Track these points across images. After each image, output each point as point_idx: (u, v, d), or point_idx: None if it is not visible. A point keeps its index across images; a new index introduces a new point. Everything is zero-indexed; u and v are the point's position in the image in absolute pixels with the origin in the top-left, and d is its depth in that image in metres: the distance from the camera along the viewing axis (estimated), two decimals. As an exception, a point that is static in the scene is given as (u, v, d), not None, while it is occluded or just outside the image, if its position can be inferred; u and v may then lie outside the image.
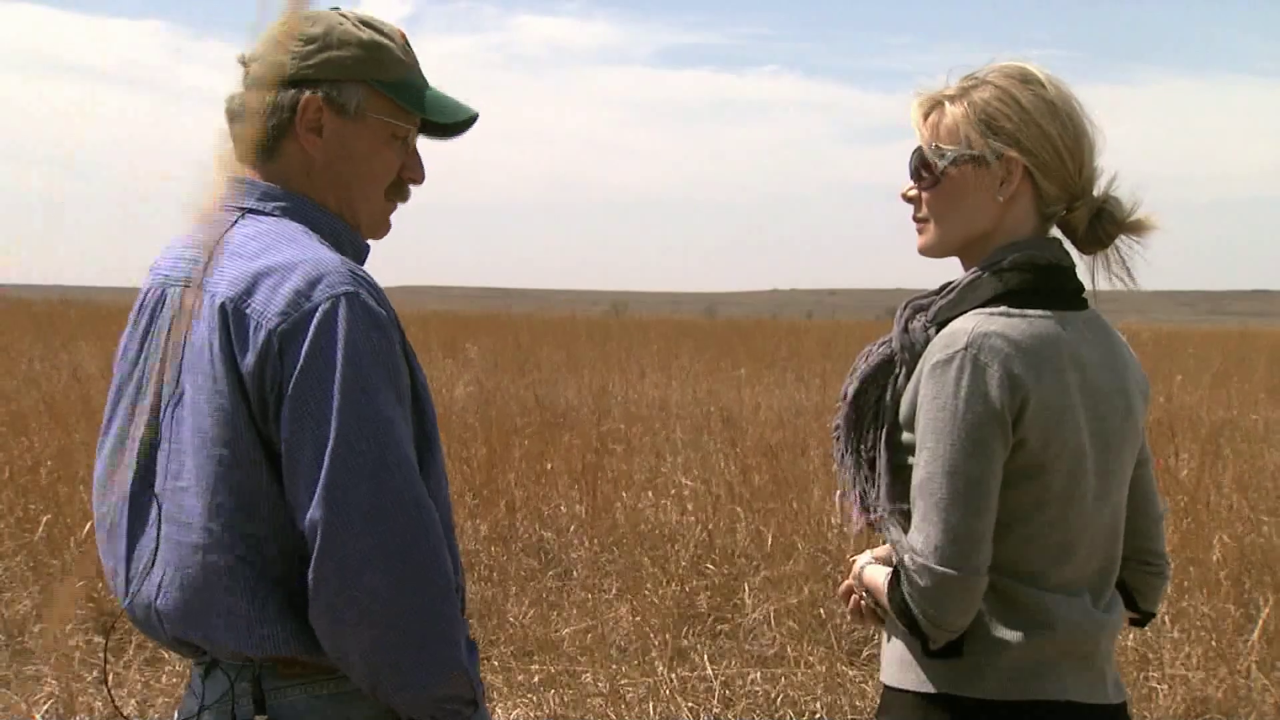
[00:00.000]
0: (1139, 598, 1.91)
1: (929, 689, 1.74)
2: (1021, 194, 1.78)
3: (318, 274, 1.49)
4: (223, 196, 1.65)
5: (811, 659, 4.63)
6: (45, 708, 4.22)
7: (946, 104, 1.79)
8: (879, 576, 1.79)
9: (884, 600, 1.75)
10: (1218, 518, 6.18)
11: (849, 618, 1.94)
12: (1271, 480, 7.60)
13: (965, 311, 1.74)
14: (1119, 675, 1.83)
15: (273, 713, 1.55)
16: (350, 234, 1.66)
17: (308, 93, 1.61)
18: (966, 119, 1.76)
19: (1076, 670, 1.74)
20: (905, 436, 1.75)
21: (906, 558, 1.69)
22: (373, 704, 1.55)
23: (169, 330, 1.58)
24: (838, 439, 1.85)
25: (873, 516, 1.80)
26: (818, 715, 4.32)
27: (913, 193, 1.84)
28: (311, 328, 1.46)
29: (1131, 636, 4.64)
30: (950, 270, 1.84)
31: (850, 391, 1.81)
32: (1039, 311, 1.73)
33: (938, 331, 1.74)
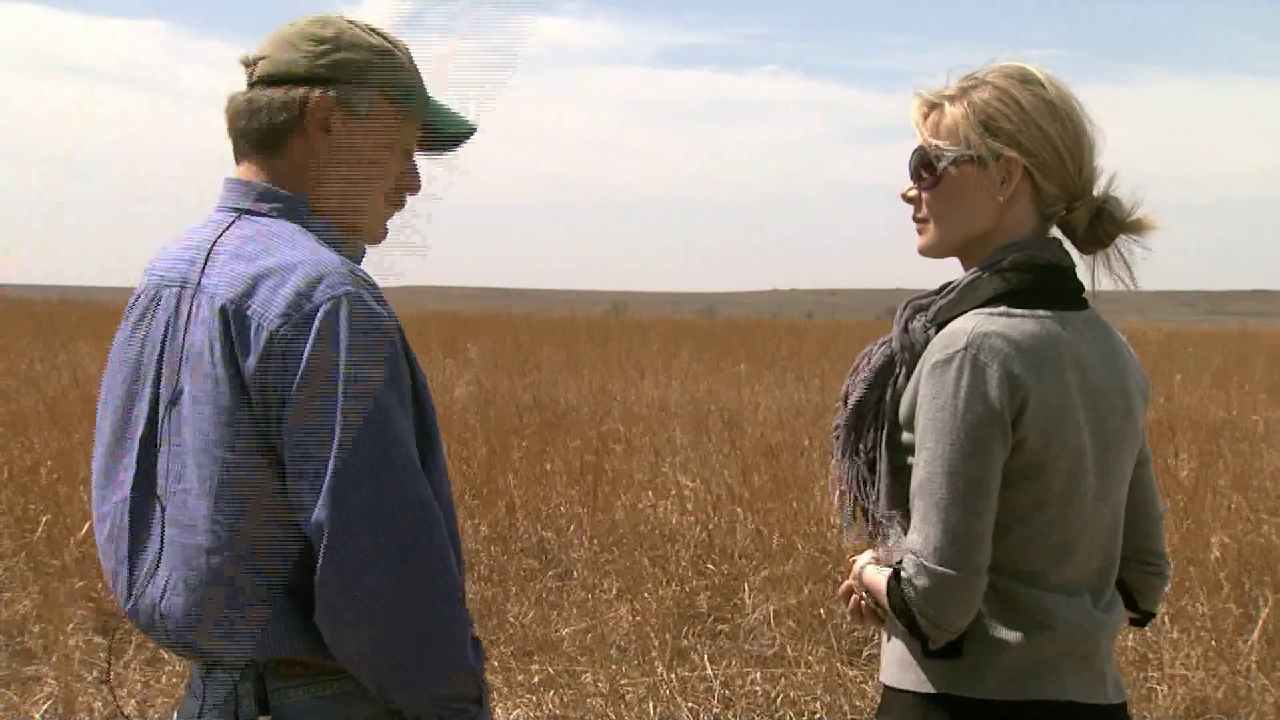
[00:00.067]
0: (1139, 598, 1.91)
1: (929, 689, 1.74)
2: (1021, 194, 1.78)
3: (318, 275, 1.49)
4: (221, 197, 1.65)
5: (811, 659, 4.63)
6: (45, 708, 4.22)
7: (946, 104, 1.79)
8: (879, 577, 1.79)
9: (884, 600, 1.75)
10: (1218, 518, 6.18)
11: (849, 618, 1.94)
12: (1271, 480, 7.60)
13: (965, 311, 1.74)
14: (1119, 675, 1.84)
15: (276, 713, 1.55)
16: (346, 236, 1.66)
17: (319, 91, 1.62)
18: (966, 119, 1.77)
19: (1076, 670, 1.74)
20: (905, 437, 1.75)
21: (906, 558, 1.69)
22: (376, 704, 1.55)
23: (164, 331, 1.58)
24: (837, 438, 1.85)
25: (872, 516, 1.80)
26: (818, 715, 4.32)
27: (913, 193, 1.84)
28: (313, 329, 1.46)
29: (1131, 636, 4.64)
30: (950, 270, 1.84)
31: (853, 398, 1.81)
32: (1039, 311, 1.73)
33: (937, 331, 1.74)
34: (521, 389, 11.38)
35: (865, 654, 4.74)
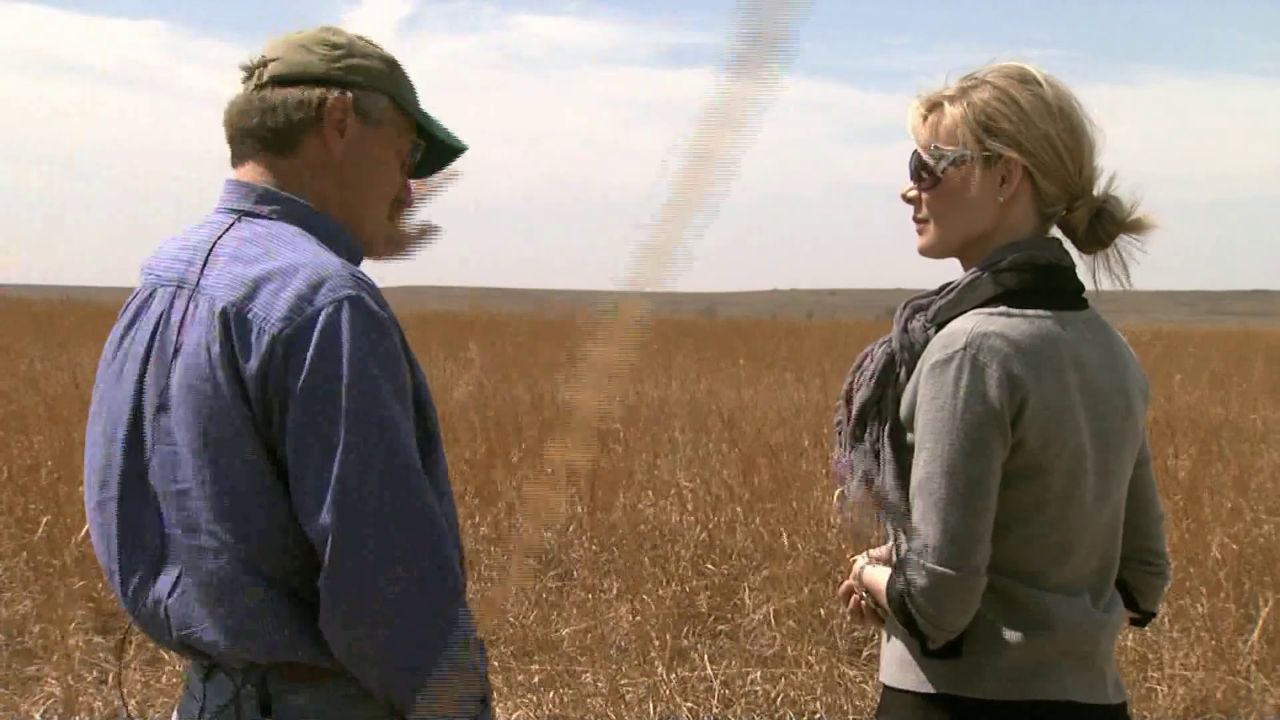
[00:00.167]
0: (1139, 598, 1.91)
1: (928, 689, 1.74)
2: (1021, 194, 1.78)
3: (320, 278, 1.49)
4: (220, 199, 1.66)
5: (811, 659, 4.63)
6: (45, 707, 4.22)
7: (946, 105, 1.79)
8: (879, 576, 1.79)
9: (883, 600, 1.75)
10: (1218, 518, 6.18)
11: (849, 618, 1.94)
12: (1271, 480, 7.60)
13: (965, 311, 1.74)
14: (1119, 675, 1.84)
15: (279, 716, 1.54)
16: (348, 238, 1.66)
17: (336, 92, 1.63)
18: (966, 120, 1.77)
19: (1076, 670, 1.74)
20: (905, 436, 1.75)
21: (905, 557, 1.69)
22: (378, 706, 1.55)
23: (153, 330, 1.58)
24: (839, 433, 1.85)
25: (884, 494, 1.77)
26: (818, 715, 4.32)
27: (913, 193, 1.84)
28: (316, 332, 1.46)
29: (1131, 636, 4.64)
30: (950, 270, 1.84)
31: (856, 397, 1.81)
32: (1039, 311, 1.73)
33: (937, 331, 1.74)
34: (521, 389, 11.38)
35: (865, 654, 4.74)
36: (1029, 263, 1.75)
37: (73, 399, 8.31)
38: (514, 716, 4.26)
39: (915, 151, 1.82)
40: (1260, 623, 4.76)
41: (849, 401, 1.83)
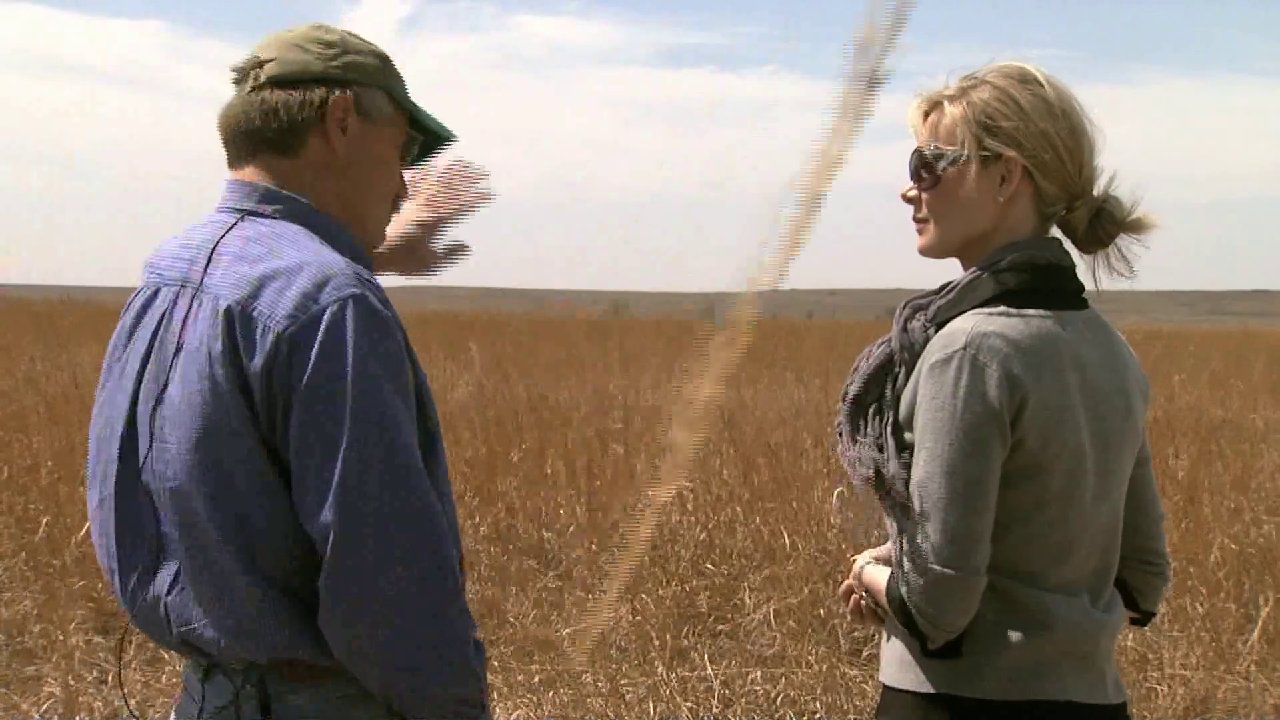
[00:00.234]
0: (1140, 597, 1.91)
1: (928, 689, 1.74)
2: (1021, 194, 1.78)
3: (324, 276, 1.49)
4: (222, 199, 1.65)
5: (811, 659, 4.63)
6: (45, 707, 4.22)
7: (946, 104, 1.79)
8: (879, 576, 1.79)
9: (883, 600, 1.75)
10: (1218, 517, 6.18)
11: (849, 618, 1.94)
12: (1270, 480, 7.60)
13: (964, 311, 1.74)
14: (1119, 675, 1.84)
15: (278, 716, 1.54)
16: (349, 237, 1.66)
17: (338, 91, 1.63)
18: (966, 119, 1.77)
19: (1076, 670, 1.74)
20: (905, 436, 1.75)
21: (905, 557, 1.69)
22: (378, 706, 1.55)
23: (155, 329, 1.58)
24: (840, 433, 1.85)
25: (891, 481, 1.75)
26: (818, 715, 4.32)
27: (913, 193, 1.84)
28: (320, 331, 1.46)
29: (1131, 636, 4.64)
30: (950, 270, 1.84)
31: (852, 392, 1.81)
32: (1038, 311, 1.73)
33: (937, 331, 1.74)
34: (522, 389, 11.37)
35: (865, 654, 4.74)
36: (1029, 263, 1.75)
37: (73, 399, 8.32)
38: (514, 716, 4.26)
39: (915, 151, 1.82)
40: (1260, 623, 4.77)
41: (848, 399, 1.83)
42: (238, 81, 1.66)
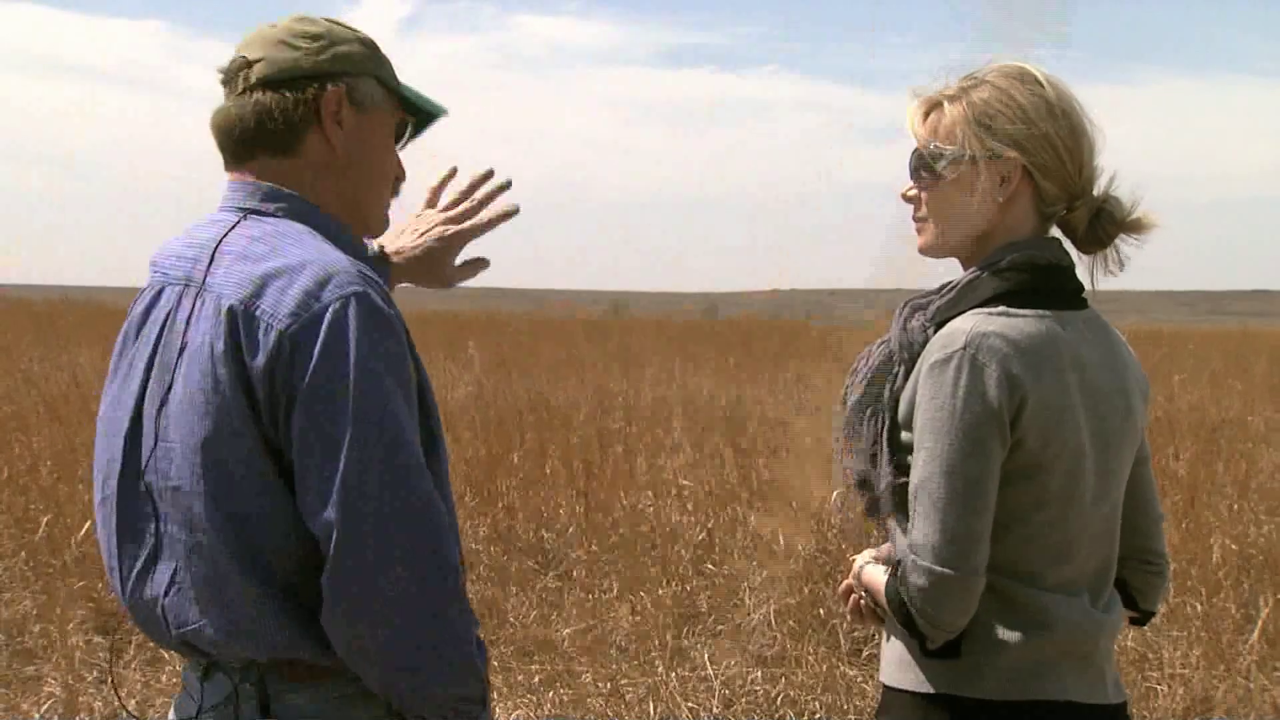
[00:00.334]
0: (1139, 597, 1.91)
1: (928, 689, 1.74)
2: (1021, 194, 1.78)
3: (326, 274, 1.49)
4: (224, 198, 1.65)
5: (811, 659, 4.63)
6: (45, 707, 4.22)
7: (946, 104, 1.79)
8: (878, 576, 1.79)
9: (883, 600, 1.75)
10: (1218, 517, 6.18)
11: (849, 618, 1.94)
12: (1271, 480, 7.60)
13: (964, 311, 1.74)
14: (1119, 675, 1.84)
15: (278, 715, 1.54)
16: (350, 236, 1.66)
17: (330, 85, 1.62)
18: (965, 119, 1.77)
19: (1076, 670, 1.74)
20: (904, 436, 1.75)
21: (904, 557, 1.69)
22: (378, 705, 1.55)
23: (160, 328, 1.58)
24: (837, 439, 1.85)
25: (877, 496, 1.78)
26: (818, 715, 4.32)
27: (912, 193, 1.84)
28: (323, 329, 1.45)
29: (1131, 636, 4.64)
30: (949, 270, 1.84)
31: (851, 398, 1.81)
32: (1038, 311, 1.73)
33: (936, 331, 1.74)
34: (522, 389, 11.38)
35: (865, 654, 4.74)
36: (1029, 262, 1.75)
37: (73, 399, 8.32)
38: (514, 716, 4.26)
39: (915, 150, 1.82)
40: (1260, 623, 4.76)
41: (846, 403, 1.83)
42: (226, 83, 1.65)
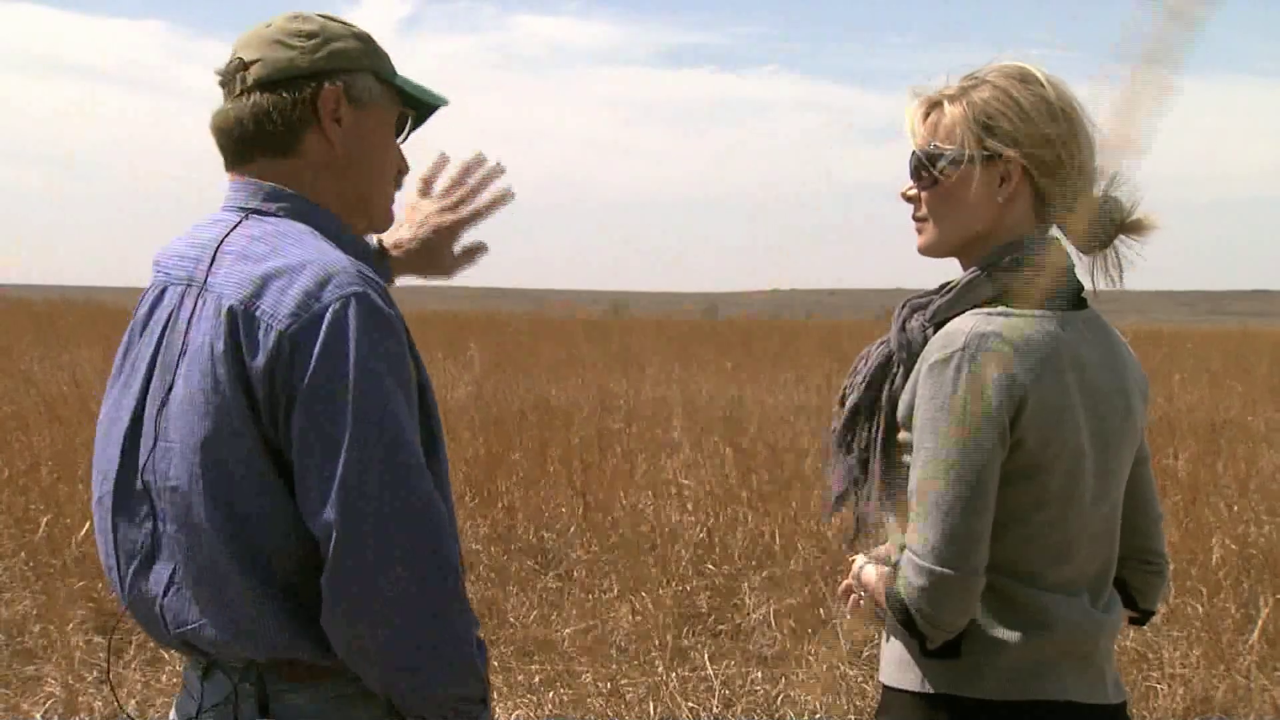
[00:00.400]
0: (1139, 597, 1.91)
1: (928, 689, 1.74)
2: (1021, 194, 1.77)
3: (326, 275, 1.49)
4: (226, 198, 1.65)
5: (811, 659, 4.63)
6: (45, 707, 4.22)
7: (946, 104, 1.79)
8: (877, 576, 1.79)
9: (882, 600, 1.75)
10: (1218, 517, 6.18)
11: (849, 617, 1.94)
12: (1271, 480, 7.60)
13: (963, 311, 1.74)
14: (1119, 675, 1.84)
15: (277, 715, 1.54)
16: (351, 236, 1.66)
17: (327, 84, 1.62)
18: (966, 119, 1.76)
19: (1076, 670, 1.74)
20: (903, 436, 1.75)
21: (904, 557, 1.69)
22: (378, 705, 1.55)
23: (163, 328, 1.58)
24: (833, 440, 1.85)
25: (860, 515, 1.81)
26: (818, 715, 4.32)
27: (912, 192, 1.84)
28: (323, 329, 1.45)
29: (1131, 636, 4.64)
30: (950, 270, 1.84)
31: (849, 400, 1.81)
32: (1038, 311, 1.73)
33: (935, 331, 1.74)
34: (522, 389, 11.38)
35: (865, 654, 4.74)
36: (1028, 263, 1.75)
37: (73, 399, 8.32)
38: (514, 716, 4.26)
39: (915, 150, 1.82)
40: (1260, 623, 4.77)
41: (843, 405, 1.83)
42: (224, 85, 1.65)
